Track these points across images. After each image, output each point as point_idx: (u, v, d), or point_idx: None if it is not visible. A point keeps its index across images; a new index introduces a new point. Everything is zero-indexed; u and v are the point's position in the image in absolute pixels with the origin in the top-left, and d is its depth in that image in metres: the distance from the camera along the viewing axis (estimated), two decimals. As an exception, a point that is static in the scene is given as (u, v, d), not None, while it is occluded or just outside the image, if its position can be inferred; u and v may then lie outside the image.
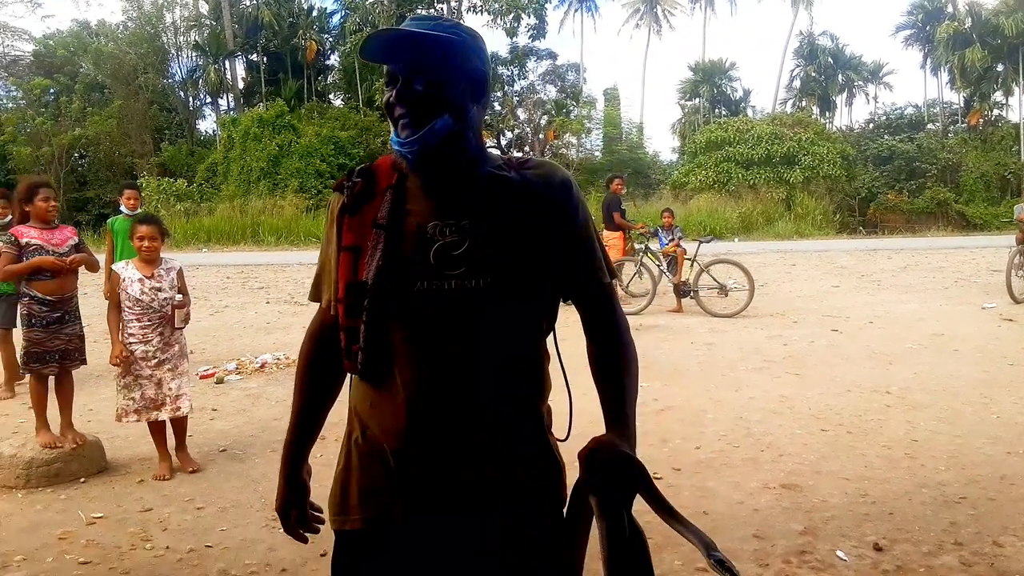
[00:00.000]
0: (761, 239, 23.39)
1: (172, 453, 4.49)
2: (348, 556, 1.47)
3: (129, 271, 4.42)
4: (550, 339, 1.54)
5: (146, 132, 32.25)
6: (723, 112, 41.57)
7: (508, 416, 1.42)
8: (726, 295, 9.99)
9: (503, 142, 35.27)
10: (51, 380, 4.67)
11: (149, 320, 4.38)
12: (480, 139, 1.45)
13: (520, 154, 1.51)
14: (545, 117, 35.13)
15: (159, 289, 4.40)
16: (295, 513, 1.62)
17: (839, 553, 3.46)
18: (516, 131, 35.52)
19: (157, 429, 4.43)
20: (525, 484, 1.44)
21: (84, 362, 4.83)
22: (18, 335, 5.19)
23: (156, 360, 4.38)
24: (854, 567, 3.34)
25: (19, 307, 4.80)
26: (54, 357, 4.59)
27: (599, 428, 1.44)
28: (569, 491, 1.49)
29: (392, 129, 1.40)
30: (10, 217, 6.16)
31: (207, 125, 39.56)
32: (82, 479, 4.36)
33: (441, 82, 1.36)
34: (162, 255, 4.55)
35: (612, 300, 1.51)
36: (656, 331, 8.92)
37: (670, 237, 10.76)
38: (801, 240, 23.07)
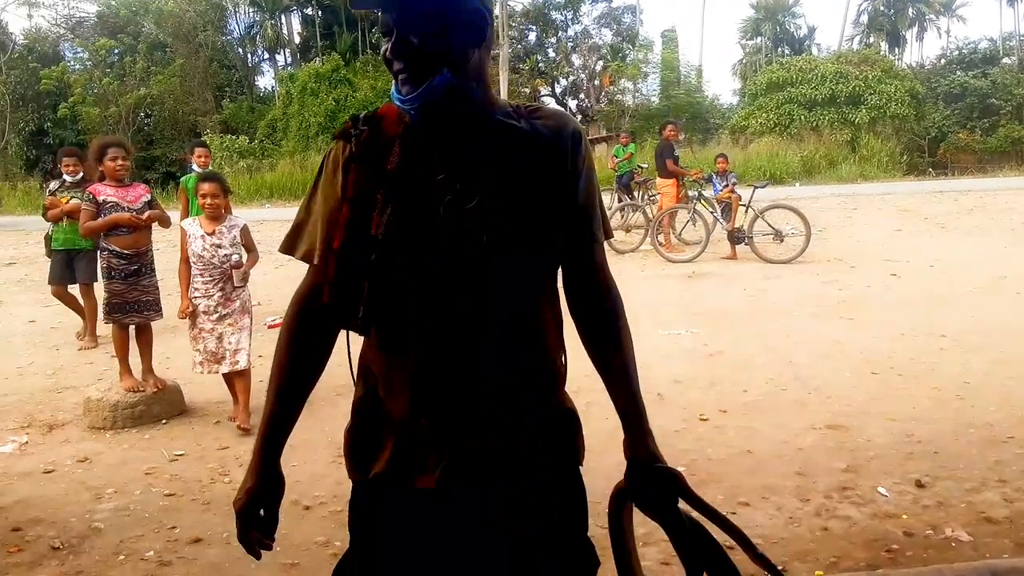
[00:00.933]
0: (823, 183, 22.83)
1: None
2: (367, 501, 1.44)
3: (193, 227, 4.65)
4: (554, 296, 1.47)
5: (208, 90, 32.87)
6: (786, 51, 40.22)
7: (511, 386, 1.37)
8: (781, 241, 9.90)
9: (558, 90, 34.91)
10: (131, 329, 5.01)
11: (210, 276, 4.56)
12: (486, 85, 1.38)
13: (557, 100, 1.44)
14: (600, 62, 34.57)
15: (219, 246, 4.57)
16: (263, 513, 1.45)
17: (880, 489, 3.55)
18: (571, 78, 35.09)
19: (229, 376, 4.71)
20: (528, 455, 1.39)
21: (160, 314, 5.13)
22: (99, 289, 5.56)
23: (217, 315, 4.57)
24: (895, 502, 3.44)
25: (99, 261, 5.13)
26: (134, 308, 4.91)
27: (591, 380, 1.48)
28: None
29: (393, 83, 1.35)
30: (81, 175, 6.51)
31: (266, 81, 40.05)
32: (163, 420, 4.71)
33: (436, 33, 1.29)
34: (234, 212, 4.77)
35: (604, 258, 1.46)
36: (708, 278, 8.94)
37: (724, 183, 10.67)
38: (865, 183, 22.44)
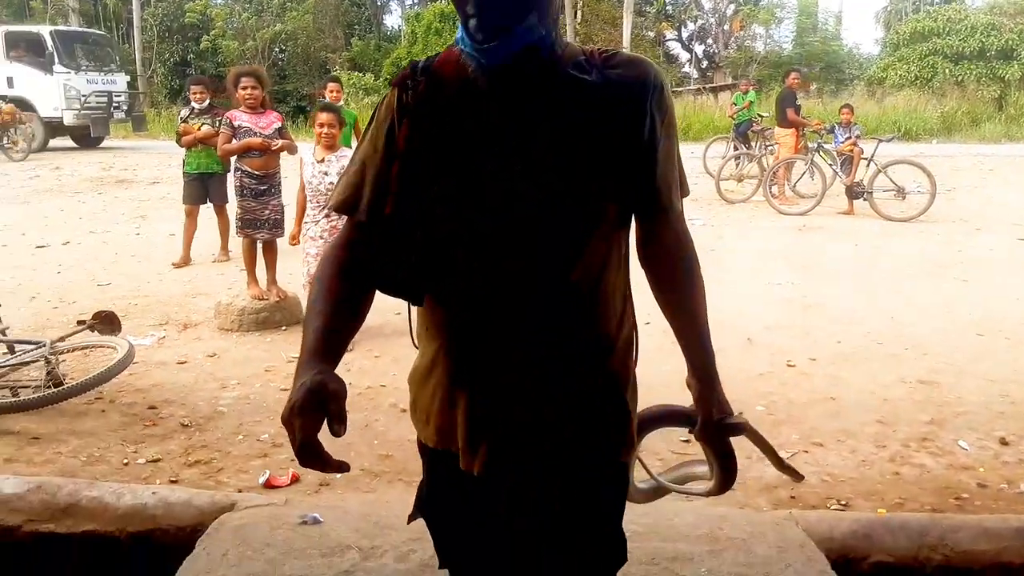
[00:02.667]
0: (963, 141, 21.40)
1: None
2: (424, 458, 1.47)
3: (307, 155, 4.94)
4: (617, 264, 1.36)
5: (338, 27, 33.66)
6: (936, -1, 37.44)
7: (559, 356, 1.28)
8: (904, 198, 9.49)
9: (684, 34, 33.85)
10: (259, 244, 5.47)
11: (317, 202, 4.81)
12: (558, 33, 1.26)
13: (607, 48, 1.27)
14: (732, 6, 33.21)
15: (326, 173, 4.77)
16: (329, 418, 1.17)
17: (961, 443, 3.55)
18: (699, 22, 33.91)
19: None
20: (555, 426, 1.31)
21: (283, 232, 5.56)
22: (231, 210, 6.05)
23: (322, 240, 4.80)
24: (974, 456, 3.44)
25: (233, 180, 5.59)
26: (263, 224, 5.38)
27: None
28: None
29: (460, 25, 1.22)
30: (208, 101, 6.91)
31: (393, 20, 40.58)
32: (283, 327, 5.16)
33: None
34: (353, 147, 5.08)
35: (681, 223, 1.36)
36: (819, 232, 8.72)
37: (847, 135, 10.26)
38: (1010, 144, 20.90)
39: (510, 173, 1.22)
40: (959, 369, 4.48)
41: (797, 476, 1.60)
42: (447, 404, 1.34)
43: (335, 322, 1.32)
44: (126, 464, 3.28)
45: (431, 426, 1.38)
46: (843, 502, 3.04)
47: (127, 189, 11.95)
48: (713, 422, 1.44)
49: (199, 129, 6.82)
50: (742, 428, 1.48)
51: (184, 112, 7.24)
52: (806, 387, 4.24)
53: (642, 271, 1.42)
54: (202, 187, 7.07)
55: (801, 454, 3.45)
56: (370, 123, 1.34)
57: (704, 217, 9.41)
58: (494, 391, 1.30)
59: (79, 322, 4.48)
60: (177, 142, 7.18)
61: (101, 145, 19.08)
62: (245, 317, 5.07)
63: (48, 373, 3.81)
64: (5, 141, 15.80)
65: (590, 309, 1.29)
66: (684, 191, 1.35)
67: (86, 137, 18.50)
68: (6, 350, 4.23)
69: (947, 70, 26.43)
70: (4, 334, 4.36)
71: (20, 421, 3.62)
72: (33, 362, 3.95)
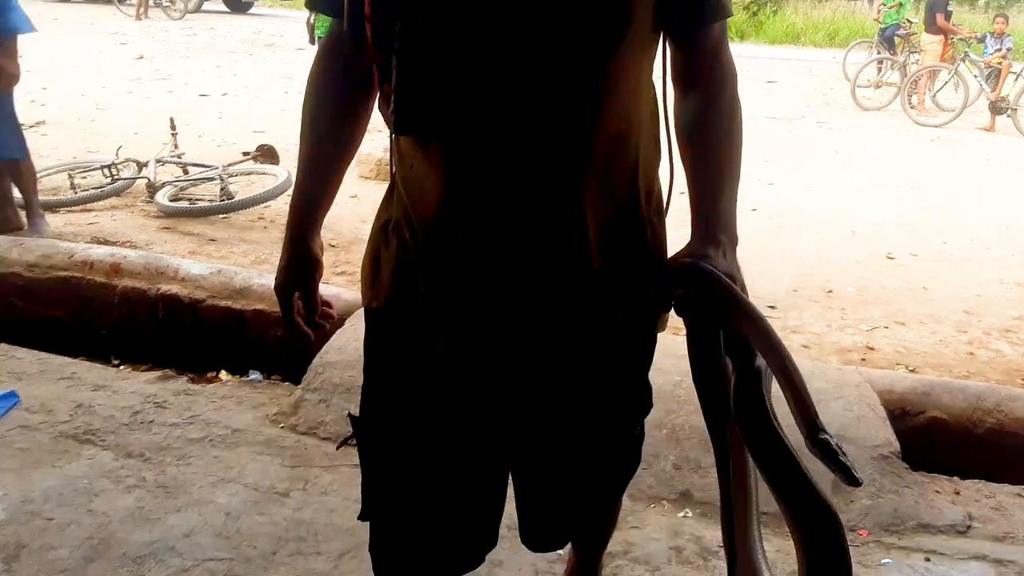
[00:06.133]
0: None
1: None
2: (376, 332, 1.24)
3: None
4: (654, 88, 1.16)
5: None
6: None
7: (539, 194, 1.06)
8: (1052, 118, 9.04)
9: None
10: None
11: None
12: None
13: None
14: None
15: None
16: (300, 294, 1.31)
17: (1046, 338, 3.71)
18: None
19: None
20: (548, 280, 1.11)
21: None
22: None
23: None
24: (1055, 350, 3.60)
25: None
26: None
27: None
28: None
29: None
30: None
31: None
32: (415, 179, 5.66)
33: None
34: None
35: (726, 49, 1.13)
36: (953, 144, 8.45)
37: (997, 47, 9.70)
38: None
39: None
40: (1064, 278, 4.53)
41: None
42: (430, 249, 1.13)
43: (316, 147, 1.24)
44: (285, 268, 3.88)
45: (405, 279, 1.17)
46: (911, 368, 3.31)
47: (275, 52, 12.63)
48: (699, 252, 1.10)
49: None
50: (721, 284, 1.06)
51: None
52: (901, 276, 4.41)
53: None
54: None
55: (881, 329, 3.69)
56: None
57: (834, 122, 9.27)
58: (503, 225, 1.08)
59: (244, 153, 5.11)
60: (306, 6, 7.45)
61: (250, 11, 19.91)
62: (382, 167, 5.58)
63: (221, 190, 4.46)
64: (164, 0, 16.76)
65: (617, 135, 1.09)
66: (727, 9, 1.11)
67: (237, 2, 19.35)
68: (183, 172, 4.92)
69: None
70: (180, 158, 5.05)
71: (199, 226, 4.30)
72: (208, 180, 4.61)
